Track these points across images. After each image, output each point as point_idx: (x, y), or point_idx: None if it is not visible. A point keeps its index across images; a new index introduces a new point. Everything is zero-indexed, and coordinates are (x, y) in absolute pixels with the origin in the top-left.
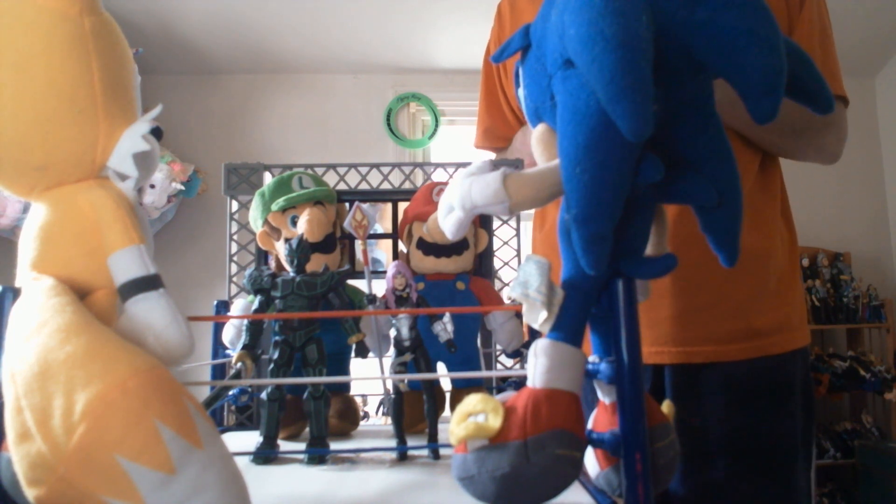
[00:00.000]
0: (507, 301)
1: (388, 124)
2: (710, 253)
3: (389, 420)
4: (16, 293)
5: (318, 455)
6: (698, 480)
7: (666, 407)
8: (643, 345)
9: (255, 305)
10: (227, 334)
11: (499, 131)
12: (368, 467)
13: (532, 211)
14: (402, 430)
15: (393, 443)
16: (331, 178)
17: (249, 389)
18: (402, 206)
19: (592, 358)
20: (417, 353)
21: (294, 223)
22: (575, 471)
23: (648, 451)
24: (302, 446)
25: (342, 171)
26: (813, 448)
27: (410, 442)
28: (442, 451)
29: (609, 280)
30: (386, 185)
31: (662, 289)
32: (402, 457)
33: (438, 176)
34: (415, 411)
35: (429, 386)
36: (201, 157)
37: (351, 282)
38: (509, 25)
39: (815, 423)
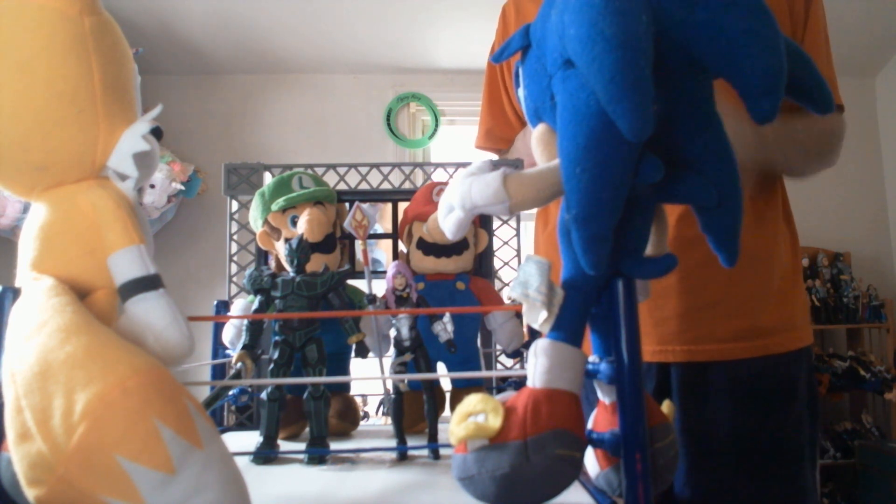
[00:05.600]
0: (507, 301)
1: (388, 124)
2: (714, 253)
3: (389, 420)
4: (16, 293)
5: (318, 455)
6: (704, 479)
7: (666, 407)
8: (648, 343)
9: (255, 305)
10: (227, 334)
11: (500, 132)
12: (368, 467)
13: (532, 211)
14: (402, 430)
15: (393, 443)
16: (331, 178)
17: (249, 389)
18: (402, 206)
19: (592, 358)
20: (417, 353)
21: (294, 223)
22: (575, 471)
23: (648, 451)
24: (302, 446)
25: (342, 171)
26: (818, 447)
27: (410, 442)
28: (442, 451)
29: (609, 280)
30: (386, 185)
31: (668, 288)
32: (402, 457)
33: (438, 176)
34: (415, 411)
35: (429, 386)
36: (201, 157)
37: (351, 282)
38: (514, 27)
39: (819, 422)
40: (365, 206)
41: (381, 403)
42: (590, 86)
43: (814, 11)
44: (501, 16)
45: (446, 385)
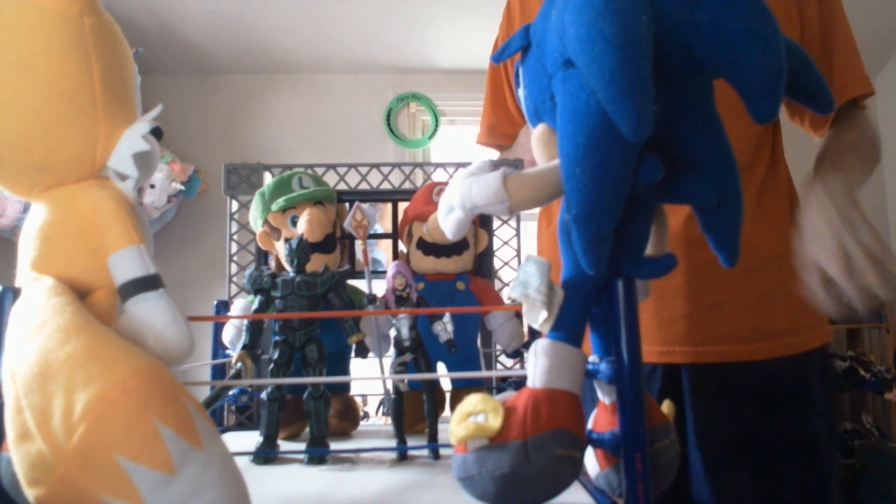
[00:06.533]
0: (507, 301)
1: (388, 124)
2: None
3: (389, 420)
4: (16, 293)
5: (318, 455)
6: (716, 480)
7: (666, 407)
8: (654, 344)
9: (255, 305)
10: (227, 334)
11: (503, 128)
12: (368, 467)
13: (534, 211)
14: (402, 430)
15: (393, 443)
16: (331, 178)
17: (249, 389)
18: (402, 206)
19: (592, 358)
20: (417, 353)
21: (294, 223)
22: (575, 471)
23: (648, 451)
24: (302, 446)
25: (342, 171)
26: (836, 451)
27: (410, 442)
28: (442, 451)
29: (609, 280)
30: (386, 185)
31: (675, 288)
32: (402, 457)
33: (438, 176)
34: (415, 411)
35: (429, 386)
36: (201, 157)
37: (351, 282)
38: (518, 23)
39: (835, 424)
40: (365, 206)
41: (381, 403)
42: (590, 86)
43: (838, 8)
44: (506, 10)
45: (446, 385)
